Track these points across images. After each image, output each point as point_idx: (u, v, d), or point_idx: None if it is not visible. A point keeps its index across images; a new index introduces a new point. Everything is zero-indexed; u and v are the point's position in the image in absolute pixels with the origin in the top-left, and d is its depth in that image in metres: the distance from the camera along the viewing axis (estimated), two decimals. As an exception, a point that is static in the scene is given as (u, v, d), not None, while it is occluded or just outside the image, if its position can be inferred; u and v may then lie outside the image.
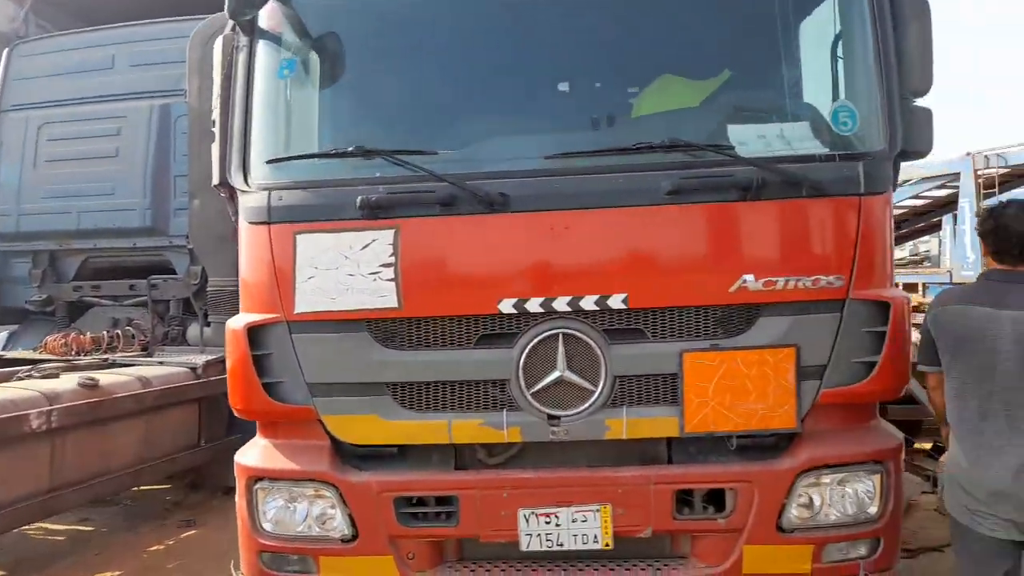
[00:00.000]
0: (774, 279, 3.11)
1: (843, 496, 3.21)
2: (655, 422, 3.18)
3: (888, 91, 3.21)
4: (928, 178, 20.92)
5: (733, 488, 3.19)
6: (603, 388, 3.17)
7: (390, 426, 3.22)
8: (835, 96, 3.35)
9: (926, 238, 25.01)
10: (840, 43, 3.36)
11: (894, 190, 3.53)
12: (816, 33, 3.40)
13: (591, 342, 3.16)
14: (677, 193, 3.08)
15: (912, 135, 3.29)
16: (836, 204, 3.15)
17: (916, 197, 22.21)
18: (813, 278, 3.12)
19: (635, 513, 3.17)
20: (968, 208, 16.84)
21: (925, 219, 23.38)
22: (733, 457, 3.24)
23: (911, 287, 16.83)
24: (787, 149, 3.21)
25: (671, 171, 3.10)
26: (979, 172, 16.72)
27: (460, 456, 3.36)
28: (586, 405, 3.18)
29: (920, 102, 3.47)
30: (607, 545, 3.18)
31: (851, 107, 3.21)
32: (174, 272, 7.43)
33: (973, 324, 2.99)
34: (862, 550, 3.25)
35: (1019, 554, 2.89)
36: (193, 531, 6.32)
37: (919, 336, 3.29)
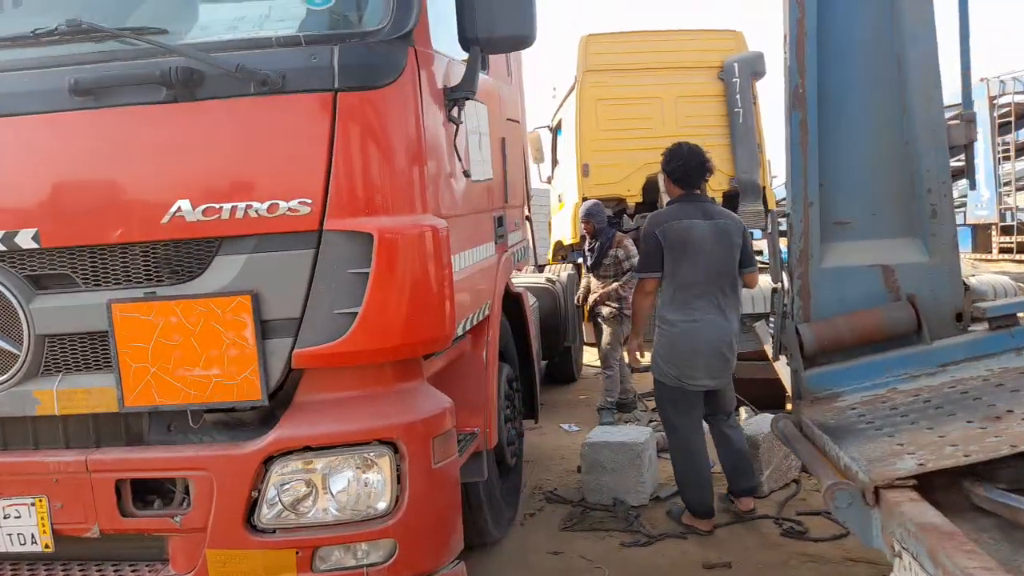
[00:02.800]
0: (217, 206, 2.36)
1: (340, 486, 2.48)
2: (91, 394, 2.50)
3: None
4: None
5: (191, 478, 2.49)
6: (28, 351, 2.50)
7: None
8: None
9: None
10: None
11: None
12: None
13: (5, 291, 2.48)
14: (85, 94, 2.34)
15: (490, 17, 2.54)
16: (297, 103, 2.35)
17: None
18: (268, 204, 2.35)
19: (77, 508, 2.51)
20: (984, 141, 14.83)
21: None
22: (200, 438, 2.54)
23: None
24: (250, 32, 2.42)
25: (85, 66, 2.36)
26: (994, 99, 14.72)
27: None
28: (10, 373, 2.52)
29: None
30: (47, 547, 2.53)
31: (325, -29, 2.38)
32: None
33: (696, 233, 3.94)
34: (378, 554, 2.52)
35: (702, 396, 4.06)
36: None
37: (643, 249, 4.11)
